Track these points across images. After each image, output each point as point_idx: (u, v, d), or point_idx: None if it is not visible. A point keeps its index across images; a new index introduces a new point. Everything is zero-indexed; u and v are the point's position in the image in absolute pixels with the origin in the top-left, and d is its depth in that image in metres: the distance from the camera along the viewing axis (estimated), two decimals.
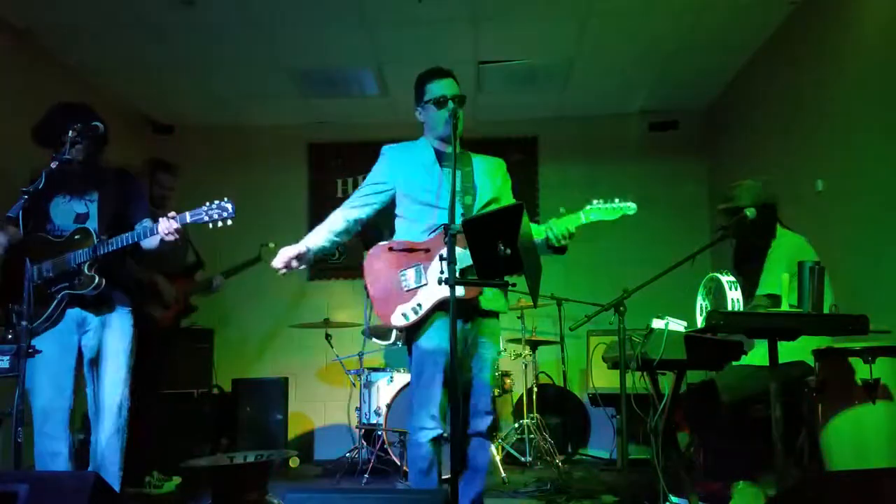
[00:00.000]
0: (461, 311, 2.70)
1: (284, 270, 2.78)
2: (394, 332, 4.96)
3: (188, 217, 2.98)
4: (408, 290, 2.73)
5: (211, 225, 2.97)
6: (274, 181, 6.15)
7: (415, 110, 2.93)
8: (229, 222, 2.98)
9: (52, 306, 3.01)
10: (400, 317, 2.71)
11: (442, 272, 2.34)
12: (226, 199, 2.98)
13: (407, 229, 2.83)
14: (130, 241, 3.00)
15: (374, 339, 5.12)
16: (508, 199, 2.97)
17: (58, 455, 2.95)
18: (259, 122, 6.25)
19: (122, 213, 3.19)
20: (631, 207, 2.88)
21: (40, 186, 2.70)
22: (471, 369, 2.80)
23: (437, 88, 2.86)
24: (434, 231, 2.75)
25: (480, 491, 2.82)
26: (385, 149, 2.94)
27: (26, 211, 2.77)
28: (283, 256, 2.75)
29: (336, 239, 2.90)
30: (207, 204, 2.99)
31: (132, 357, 3.17)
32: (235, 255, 5.06)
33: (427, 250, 2.74)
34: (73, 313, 3.07)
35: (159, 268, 4.21)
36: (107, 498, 2.19)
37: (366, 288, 2.82)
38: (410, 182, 2.82)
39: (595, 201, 2.85)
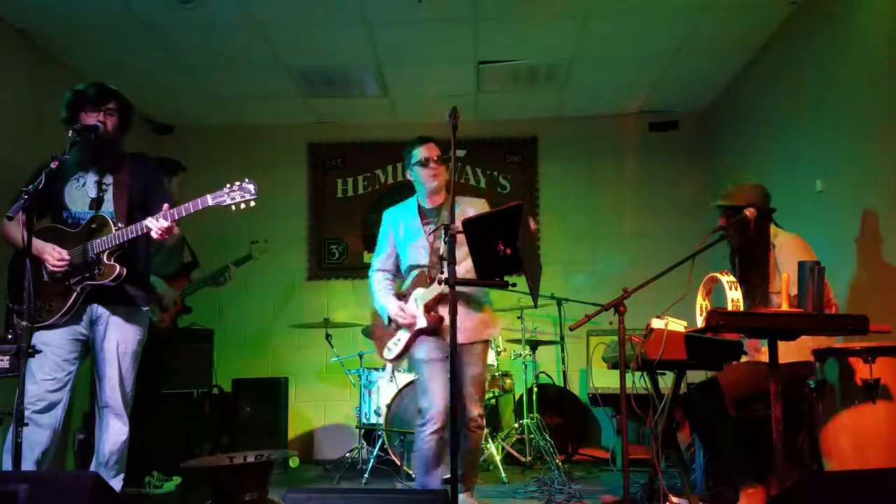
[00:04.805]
0: (432, 334, 3.28)
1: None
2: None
3: (210, 199, 2.92)
4: (392, 329, 3.37)
5: (234, 207, 2.92)
6: (274, 181, 6.14)
7: (405, 175, 3.51)
8: (252, 204, 2.93)
9: (73, 298, 2.94)
10: (387, 350, 3.37)
11: (441, 272, 2.45)
12: (247, 181, 2.93)
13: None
14: (138, 233, 2.92)
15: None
16: None
17: (36, 446, 2.85)
18: (259, 122, 6.25)
19: (141, 199, 3.11)
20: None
21: (40, 187, 2.66)
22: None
23: (420, 153, 3.38)
24: (406, 282, 3.41)
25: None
26: (384, 215, 3.54)
27: (40, 197, 2.71)
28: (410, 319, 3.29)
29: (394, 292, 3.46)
30: (228, 185, 2.93)
31: (139, 358, 3.12)
32: (234, 255, 5.07)
33: (404, 296, 3.36)
34: (87, 308, 3.01)
35: (157, 269, 4.21)
36: (107, 498, 2.20)
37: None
38: (400, 248, 3.46)
39: None
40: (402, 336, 3.32)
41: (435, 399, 3.21)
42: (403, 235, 3.44)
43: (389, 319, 3.35)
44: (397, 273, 3.52)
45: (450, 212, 2.53)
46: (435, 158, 3.37)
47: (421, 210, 3.43)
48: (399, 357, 3.35)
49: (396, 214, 3.51)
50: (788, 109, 4.61)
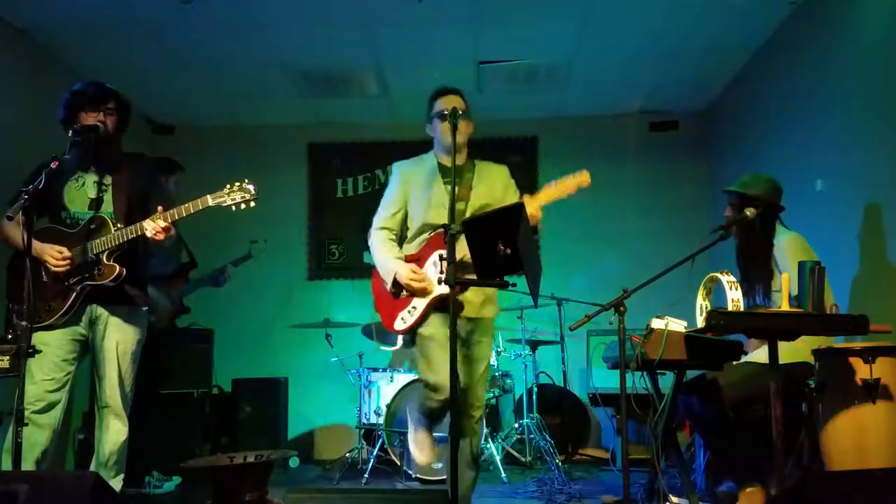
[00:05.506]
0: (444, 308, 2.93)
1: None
2: (399, 337, 4.96)
3: (210, 200, 2.91)
4: (404, 298, 3.06)
5: (234, 208, 2.92)
6: (274, 181, 6.13)
7: (426, 127, 3.23)
8: (252, 204, 2.93)
9: (72, 299, 2.93)
10: (399, 321, 3.07)
11: (441, 272, 2.41)
12: (248, 181, 2.93)
13: (405, 243, 3.19)
14: (136, 234, 2.91)
15: (381, 347, 5.15)
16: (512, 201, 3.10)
17: (36, 446, 2.84)
18: (259, 122, 6.25)
19: (139, 200, 3.09)
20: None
21: (41, 187, 2.66)
22: (467, 366, 3.01)
23: (441, 104, 3.12)
24: (423, 242, 3.10)
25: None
26: (395, 167, 3.25)
27: (39, 197, 2.69)
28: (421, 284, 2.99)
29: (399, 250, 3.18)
30: (229, 186, 2.92)
31: (139, 358, 3.12)
32: (234, 255, 5.07)
33: (418, 259, 3.07)
34: (86, 308, 3.00)
35: (155, 269, 4.19)
36: (107, 498, 2.20)
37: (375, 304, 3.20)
38: (413, 204, 3.15)
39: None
40: (419, 304, 3.02)
41: (443, 373, 2.88)
42: (420, 193, 3.15)
43: (397, 284, 3.02)
44: (402, 234, 3.22)
45: (449, 209, 2.48)
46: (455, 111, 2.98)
47: (441, 167, 3.16)
48: (410, 328, 3.06)
49: (411, 170, 3.21)
50: (788, 109, 4.61)
